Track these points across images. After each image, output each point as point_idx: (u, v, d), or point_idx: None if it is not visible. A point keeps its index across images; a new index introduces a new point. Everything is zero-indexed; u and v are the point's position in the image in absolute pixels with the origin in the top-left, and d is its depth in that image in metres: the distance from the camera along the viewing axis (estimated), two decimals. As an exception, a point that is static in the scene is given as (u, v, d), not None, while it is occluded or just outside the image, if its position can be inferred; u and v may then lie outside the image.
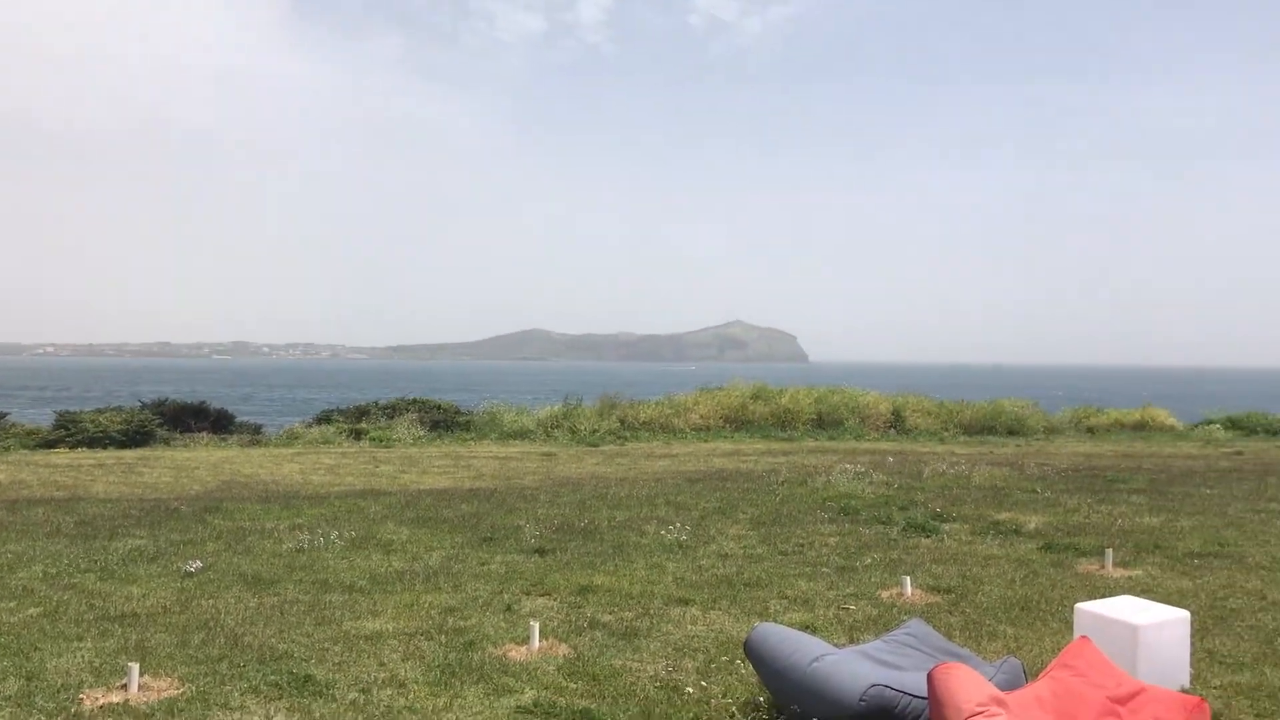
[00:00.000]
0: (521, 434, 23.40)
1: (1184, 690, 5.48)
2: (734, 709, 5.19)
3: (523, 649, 6.23)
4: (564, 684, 5.60)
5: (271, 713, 5.13)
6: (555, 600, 7.56)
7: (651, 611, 7.22)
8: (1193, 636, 6.20)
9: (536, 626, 6.37)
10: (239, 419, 25.03)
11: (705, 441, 23.01)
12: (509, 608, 7.30)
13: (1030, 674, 5.47)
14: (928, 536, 10.25)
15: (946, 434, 25.53)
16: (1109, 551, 8.87)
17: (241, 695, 5.37)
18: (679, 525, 10.61)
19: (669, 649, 6.29)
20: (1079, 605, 5.92)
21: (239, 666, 5.85)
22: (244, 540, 9.81)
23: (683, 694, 5.40)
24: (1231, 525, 10.94)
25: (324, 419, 25.04)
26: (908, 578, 7.92)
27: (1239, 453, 20.82)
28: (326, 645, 6.33)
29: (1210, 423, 27.87)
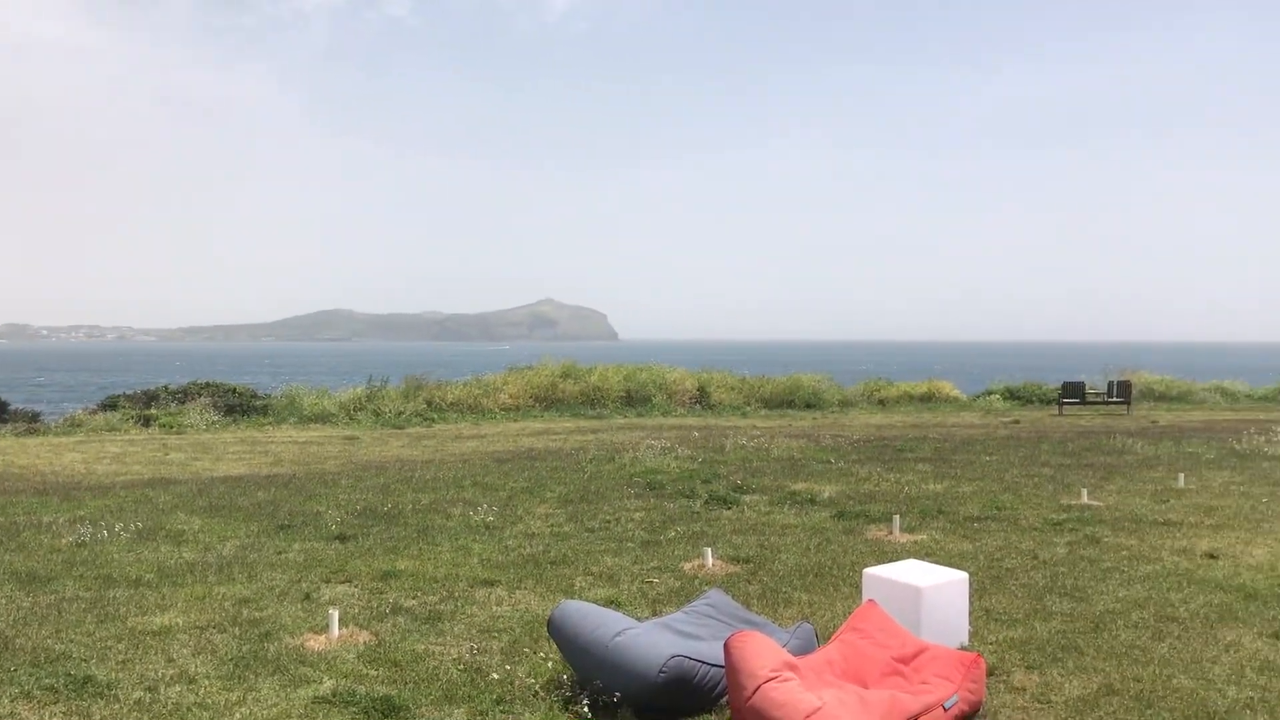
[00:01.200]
0: (323, 417, 22.73)
1: (963, 647, 5.81)
2: (537, 688, 5.19)
3: (321, 638, 6.06)
4: (364, 671, 5.48)
5: (46, 717, 4.82)
6: (357, 587, 7.38)
7: (456, 594, 7.14)
8: (971, 596, 6.58)
9: (336, 614, 6.20)
10: (12, 406, 23.35)
11: (515, 421, 22.94)
12: (307, 596, 7.08)
13: (822, 638, 5.69)
14: (729, 508, 10.52)
15: (749, 408, 26.26)
16: (896, 518, 9.33)
17: (12, 701, 5.02)
18: (486, 506, 10.54)
19: (474, 631, 6.24)
20: (867, 570, 6.19)
21: (9, 671, 5.47)
22: (17, 536, 9.17)
23: (487, 676, 5.37)
24: (1008, 489, 11.68)
25: (109, 405, 23.63)
26: (709, 549, 8.12)
27: (1016, 421, 22.22)
28: (109, 644, 5.99)
29: (990, 393, 29.67)
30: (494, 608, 6.80)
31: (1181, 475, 12.18)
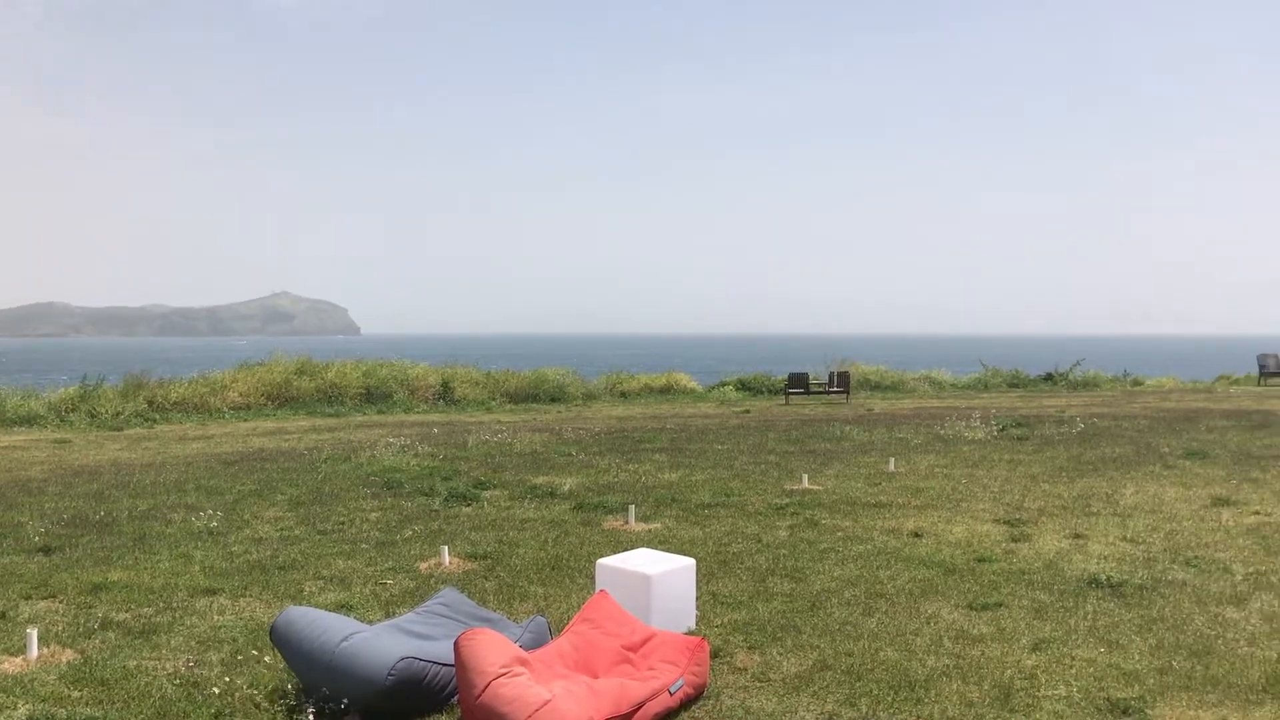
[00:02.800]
0: (29, 420, 20.91)
1: (690, 631, 6.03)
2: (260, 699, 4.99)
3: (18, 660, 5.59)
4: (67, 693, 5.10)
5: None
6: (62, 603, 6.86)
7: (174, 605, 6.76)
8: (699, 581, 6.84)
9: (35, 634, 5.73)
10: None
11: (245, 421, 21.89)
12: (3, 615, 6.51)
13: (556, 630, 5.77)
14: (469, 505, 10.47)
15: (494, 403, 26.17)
16: (632, 508, 9.57)
17: None
18: (210, 511, 10.02)
19: (192, 643, 5.92)
20: (600, 560, 6.32)
21: None
22: None
23: (205, 690, 5.11)
24: (737, 477, 12.19)
25: None
26: (446, 547, 8.05)
27: (747, 411, 23.19)
28: None
29: (724, 385, 30.83)
30: (215, 617, 6.48)
31: (892, 460, 13.10)
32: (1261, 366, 30.00)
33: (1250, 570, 7.45)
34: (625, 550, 7.17)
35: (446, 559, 7.88)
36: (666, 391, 29.77)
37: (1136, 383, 32.04)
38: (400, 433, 17.75)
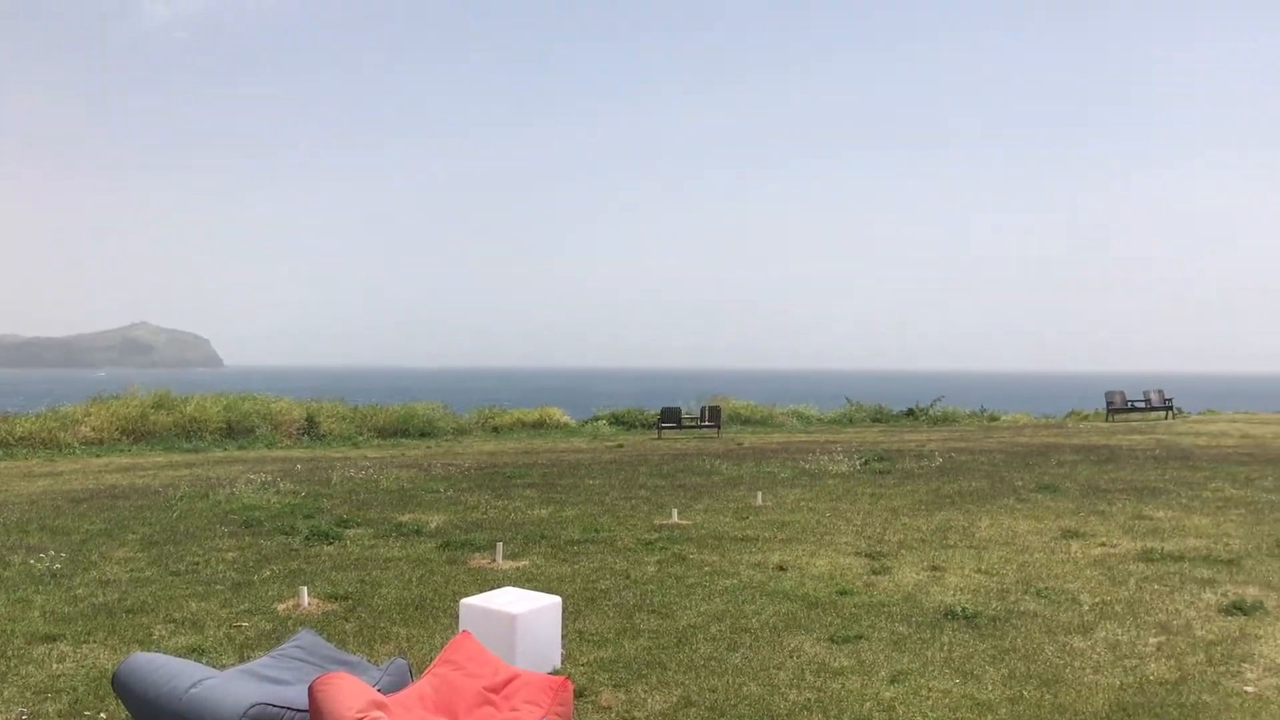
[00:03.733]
0: None
1: (555, 671, 5.97)
2: (100, 752, 4.75)
3: None
4: (-116, 753, 4.76)
5: None
6: (-117, 654, 6.41)
7: (10, 653, 6.39)
8: (566, 619, 6.79)
9: None
10: None
11: (98, 457, 20.94)
12: None
13: (417, 672, 5.64)
14: (331, 543, 10.20)
15: (361, 438, 25.64)
16: (499, 545, 9.46)
17: None
18: (54, 552, 9.54)
19: (28, 694, 5.60)
20: (464, 600, 6.22)
21: None
22: None
23: (40, 743, 4.84)
24: (608, 512, 12.18)
25: None
26: (305, 588, 7.82)
27: (620, 446, 23.25)
28: None
29: (598, 419, 30.89)
30: (55, 665, 6.15)
31: (759, 493, 13.28)
32: (1109, 403, 31.45)
33: (1096, 600, 7.75)
34: (491, 589, 7.09)
35: (305, 600, 7.65)
36: (540, 426, 29.65)
37: (993, 418, 33.24)
38: (262, 469, 17.23)
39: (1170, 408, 31.06)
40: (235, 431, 24.94)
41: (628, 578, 8.56)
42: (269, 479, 15.20)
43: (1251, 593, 7.86)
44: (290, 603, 7.67)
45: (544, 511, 12.28)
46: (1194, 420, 29.72)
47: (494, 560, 9.21)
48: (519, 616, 5.89)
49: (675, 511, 11.73)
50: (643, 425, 29.81)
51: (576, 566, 9.05)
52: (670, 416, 26.83)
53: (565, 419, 30.80)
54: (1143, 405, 31.16)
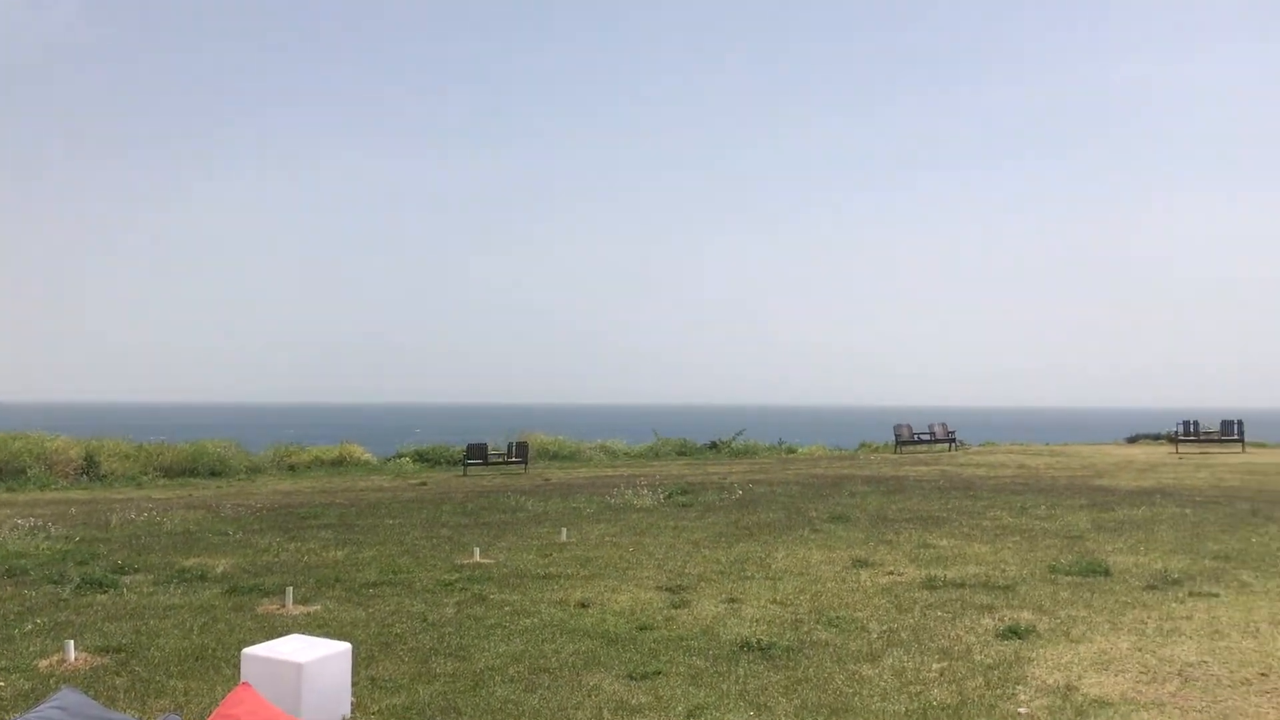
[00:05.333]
0: None
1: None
2: None
3: None
4: None
5: None
6: None
7: None
8: (358, 666, 6.55)
9: None
10: None
11: None
12: None
13: (193, 730, 5.31)
14: (105, 592, 9.54)
15: (146, 478, 24.26)
16: (289, 590, 9.06)
17: None
18: None
19: None
20: (246, 650, 5.90)
21: None
22: None
23: None
24: (407, 553, 11.87)
25: None
26: (72, 641, 7.26)
27: (424, 483, 22.79)
28: None
29: (401, 456, 30.20)
30: None
31: (564, 530, 13.23)
32: (897, 436, 32.95)
33: (884, 628, 8.03)
34: (283, 635, 6.77)
35: (72, 654, 7.10)
36: (340, 464, 28.78)
37: (790, 450, 34.31)
38: (32, 512, 16.02)
39: (953, 440, 32.80)
40: (3, 473, 23.18)
41: (425, 620, 8.34)
42: (38, 523, 14.15)
43: (1026, 617, 8.31)
44: (54, 658, 7.11)
45: (340, 553, 11.86)
46: (975, 452, 31.46)
47: (283, 606, 8.81)
48: (305, 665, 5.62)
49: (477, 550, 11.54)
50: (448, 462, 29.34)
51: (371, 610, 8.75)
52: (476, 453, 26.51)
53: (367, 456, 29.99)
54: (928, 438, 32.80)
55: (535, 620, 8.31)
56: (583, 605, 8.87)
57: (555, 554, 11.66)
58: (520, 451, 26.81)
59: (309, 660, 5.67)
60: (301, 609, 8.78)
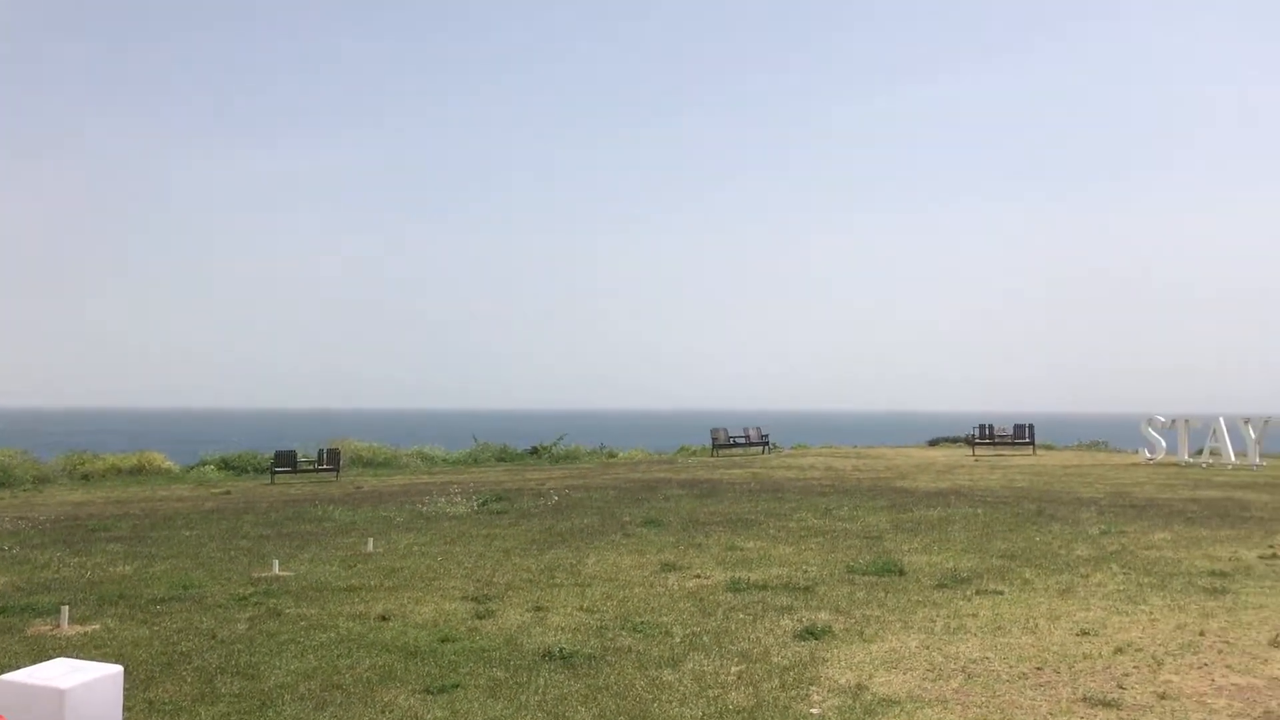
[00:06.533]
0: None
1: (112, 749, 5.37)
2: None
3: None
4: None
5: None
6: None
7: None
8: (135, 689, 6.18)
9: None
10: None
11: None
12: None
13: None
14: None
15: (-85, 490, 22.41)
16: (65, 609, 8.48)
17: None
18: None
19: None
20: (2, 677, 5.46)
21: None
22: None
23: None
24: (201, 566, 11.32)
25: None
26: None
27: (227, 492, 21.83)
28: None
29: (205, 464, 28.86)
30: None
31: (371, 540, 12.87)
32: (713, 440, 33.57)
33: (688, 632, 8.10)
34: (55, 657, 6.30)
35: None
36: (138, 472, 27.30)
37: (611, 455, 34.50)
38: None
39: (767, 443, 33.65)
40: None
41: (214, 637, 7.94)
42: None
43: (823, 617, 8.53)
44: None
45: (128, 568, 11.21)
46: (787, 455, 32.36)
47: (57, 626, 8.24)
48: (67, 692, 5.23)
49: (277, 563, 11.10)
50: (256, 470, 28.22)
51: (156, 628, 8.27)
52: (285, 460, 25.61)
53: (168, 464, 28.54)
54: (743, 441, 33.55)
55: (332, 635, 8.03)
56: (383, 618, 8.62)
57: (360, 565, 11.32)
58: (332, 459, 26.05)
59: (72, 686, 5.28)
60: (78, 629, 8.23)
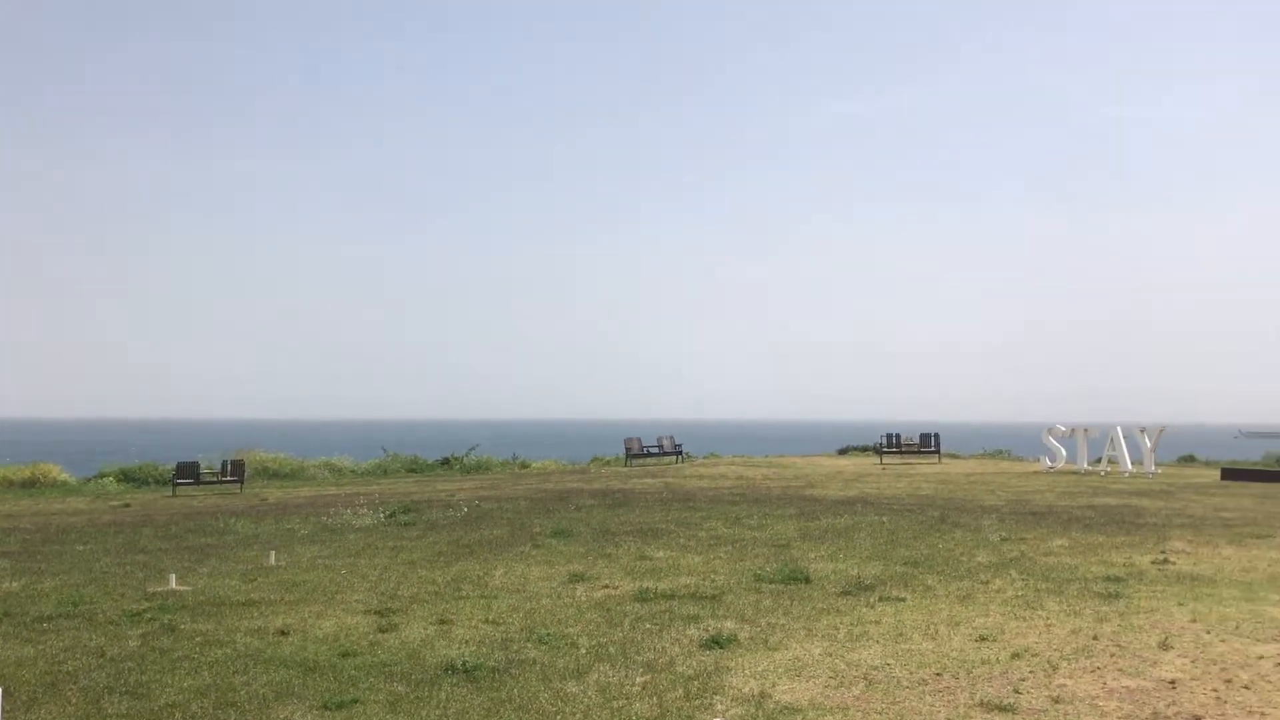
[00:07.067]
0: None
1: (-12, 774, 5.16)
2: None
3: None
4: None
5: None
6: None
7: None
8: (15, 712, 5.94)
9: None
10: None
11: None
12: None
13: None
14: None
15: None
16: (-56, 629, 8.15)
17: None
18: None
19: None
20: None
21: None
22: None
23: None
24: (94, 581, 10.95)
25: None
26: None
27: (127, 505, 21.19)
28: None
29: (104, 476, 27.96)
30: None
31: (273, 552, 12.59)
32: (627, 449, 33.58)
33: (593, 643, 8.06)
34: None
35: None
36: (32, 485, 26.36)
37: (524, 465, 34.27)
38: None
39: (680, 452, 33.76)
40: None
41: (103, 655, 7.68)
42: None
43: (729, 626, 8.56)
44: None
45: (15, 584, 10.80)
46: (700, 464, 32.50)
47: (-65, 647, 7.90)
48: (-59, 716, 5.02)
49: (174, 577, 10.79)
50: (157, 481, 27.43)
51: (41, 647, 7.98)
52: (187, 472, 24.93)
53: (65, 476, 27.59)
54: (657, 450, 33.61)
55: (229, 650, 7.82)
56: (283, 633, 8.43)
57: (260, 579, 11.06)
58: (236, 470, 25.43)
59: (-55, 710, 5.07)
60: (-43, 650, 7.90)
